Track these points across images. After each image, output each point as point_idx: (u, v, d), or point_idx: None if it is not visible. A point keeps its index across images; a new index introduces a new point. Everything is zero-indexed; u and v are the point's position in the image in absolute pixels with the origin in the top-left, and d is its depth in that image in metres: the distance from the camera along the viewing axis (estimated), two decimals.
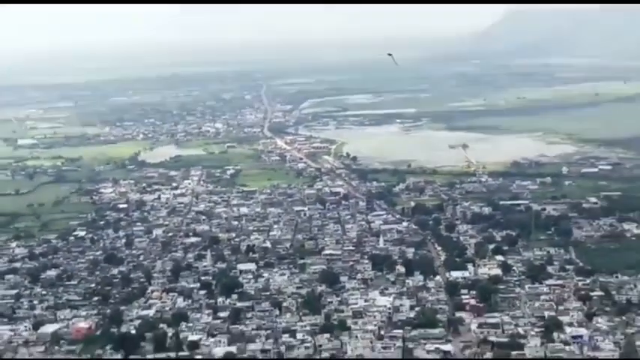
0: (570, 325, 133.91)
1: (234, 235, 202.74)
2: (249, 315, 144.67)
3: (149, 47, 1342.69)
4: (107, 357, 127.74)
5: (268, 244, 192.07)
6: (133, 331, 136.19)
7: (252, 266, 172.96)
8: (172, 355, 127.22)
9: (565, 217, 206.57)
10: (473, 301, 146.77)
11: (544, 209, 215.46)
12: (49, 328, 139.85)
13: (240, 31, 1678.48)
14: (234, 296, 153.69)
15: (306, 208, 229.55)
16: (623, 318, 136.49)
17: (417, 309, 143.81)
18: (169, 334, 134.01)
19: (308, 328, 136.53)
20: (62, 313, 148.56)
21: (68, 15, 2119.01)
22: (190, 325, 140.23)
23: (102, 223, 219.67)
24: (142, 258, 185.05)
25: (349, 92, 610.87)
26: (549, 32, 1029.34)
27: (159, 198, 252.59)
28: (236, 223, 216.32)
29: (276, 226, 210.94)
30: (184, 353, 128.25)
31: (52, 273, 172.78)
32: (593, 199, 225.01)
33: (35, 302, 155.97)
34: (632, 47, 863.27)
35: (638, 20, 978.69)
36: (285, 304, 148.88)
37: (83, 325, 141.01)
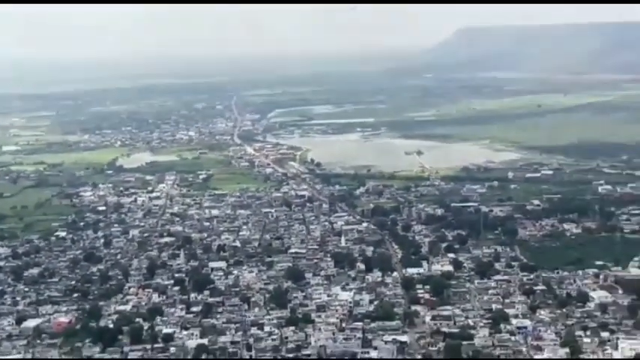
0: (516, 316, 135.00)
1: (205, 235, 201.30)
2: (219, 309, 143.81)
3: (126, 60, 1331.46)
4: (87, 350, 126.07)
5: (238, 244, 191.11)
6: (111, 325, 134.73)
7: (222, 264, 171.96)
8: (148, 346, 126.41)
9: (510, 218, 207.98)
10: (427, 296, 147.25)
11: (491, 211, 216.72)
12: (31, 323, 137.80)
13: (212, 44, 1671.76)
14: (206, 292, 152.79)
15: (273, 210, 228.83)
16: (564, 310, 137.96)
17: (375, 303, 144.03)
18: (145, 328, 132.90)
19: (275, 321, 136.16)
20: (44, 309, 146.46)
21: (50, 28, 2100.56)
22: (165, 319, 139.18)
23: (82, 224, 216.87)
24: (119, 257, 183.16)
25: (313, 103, 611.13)
26: (496, 48, 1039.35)
27: (135, 201, 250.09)
28: (208, 224, 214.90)
29: (245, 227, 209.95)
30: (159, 345, 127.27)
31: (34, 271, 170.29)
32: (536, 202, 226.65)
33: (18, 299, 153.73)
34: (571, 63, 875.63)
35: (574, 38, 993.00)
36: (253, 299, 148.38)
37: (64, 319, 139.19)
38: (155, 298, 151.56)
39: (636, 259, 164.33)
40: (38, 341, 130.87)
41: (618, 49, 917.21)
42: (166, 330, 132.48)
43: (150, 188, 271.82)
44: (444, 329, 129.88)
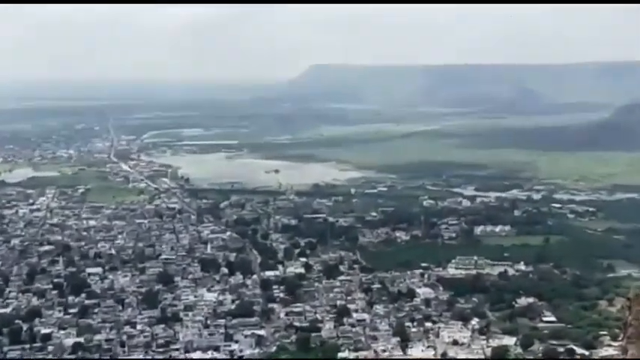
0: (356, 311, 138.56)
1: (83, 243, 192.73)
2: (95, 310, 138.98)
3: (15, 81, 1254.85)
4: None
5: (113, 251, 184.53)
6: None
7: (99, 270, 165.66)
8: (27, 346, 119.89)
9: (353, 227, 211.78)
10: (282, 295, 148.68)
11: (337, 221, 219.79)
12: None
13: (96, 67, 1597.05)
14: (83, 295, 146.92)
15: (146, 221, 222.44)
16: (396, 305, 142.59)
17: (237, 302, 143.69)
18: (24, 329, 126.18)
19: (146, 320, 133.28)
20: None
21: None
22: (43, 320, 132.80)
23: None
24: (0, 264, 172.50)
25: (185, 126, 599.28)
26: (343, 83, 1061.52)
27: (16, 212, 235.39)
28: (85, 233, 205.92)
29: (120, 236, 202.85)
30: (37, 344, 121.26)
31: None
32: (374, 213, 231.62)
33: None
34: (404, 98, 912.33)
35: (408, 77, 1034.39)
36: (127, 300, 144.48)
37: None
38: (34, 301, 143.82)
39: (453, 261, 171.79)
40: None
41: (442, 87, 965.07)
42: (44, 330, 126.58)
43: (31, 201, 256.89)
44: (296, 323, 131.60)
